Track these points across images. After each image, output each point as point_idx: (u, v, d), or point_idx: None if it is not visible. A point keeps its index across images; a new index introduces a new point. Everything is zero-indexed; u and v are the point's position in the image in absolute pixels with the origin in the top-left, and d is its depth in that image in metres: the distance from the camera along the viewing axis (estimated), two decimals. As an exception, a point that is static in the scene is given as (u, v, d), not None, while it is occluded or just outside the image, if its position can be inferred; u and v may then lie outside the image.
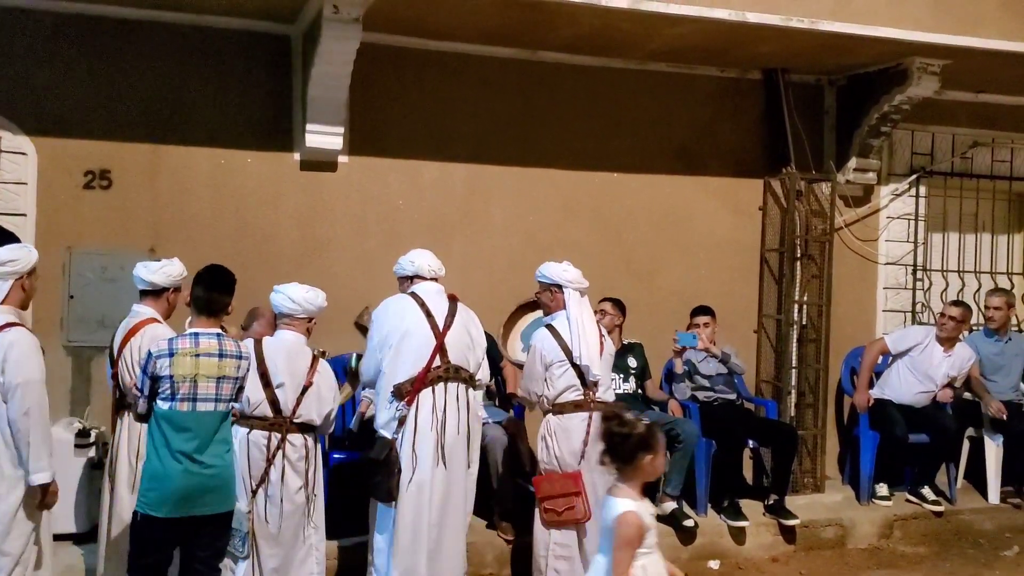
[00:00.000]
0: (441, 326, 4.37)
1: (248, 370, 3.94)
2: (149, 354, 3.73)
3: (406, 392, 4.26)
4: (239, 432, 4.08)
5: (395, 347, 4.31)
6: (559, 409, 4.66)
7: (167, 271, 4.32)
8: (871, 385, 6.62)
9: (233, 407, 3.91)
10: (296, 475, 4.14)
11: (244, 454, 4.06)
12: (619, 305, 5.88)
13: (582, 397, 4.66)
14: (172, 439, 3.65)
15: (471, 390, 4.43)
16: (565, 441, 4.62)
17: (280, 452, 4.10)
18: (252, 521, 4.06)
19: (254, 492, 4.08)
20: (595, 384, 4.67)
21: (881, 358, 6.76)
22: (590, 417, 4.63)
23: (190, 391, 3.67)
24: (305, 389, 4.17)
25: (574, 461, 4.60)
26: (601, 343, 4.76)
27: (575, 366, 4.63)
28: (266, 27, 5.68)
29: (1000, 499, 6.42)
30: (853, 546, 5.94)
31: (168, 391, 3.66)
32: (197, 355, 3.70)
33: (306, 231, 5.83)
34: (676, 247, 6.58)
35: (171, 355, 3.68)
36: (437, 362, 4.31)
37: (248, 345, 4.17)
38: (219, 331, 3.83)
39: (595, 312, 5.68)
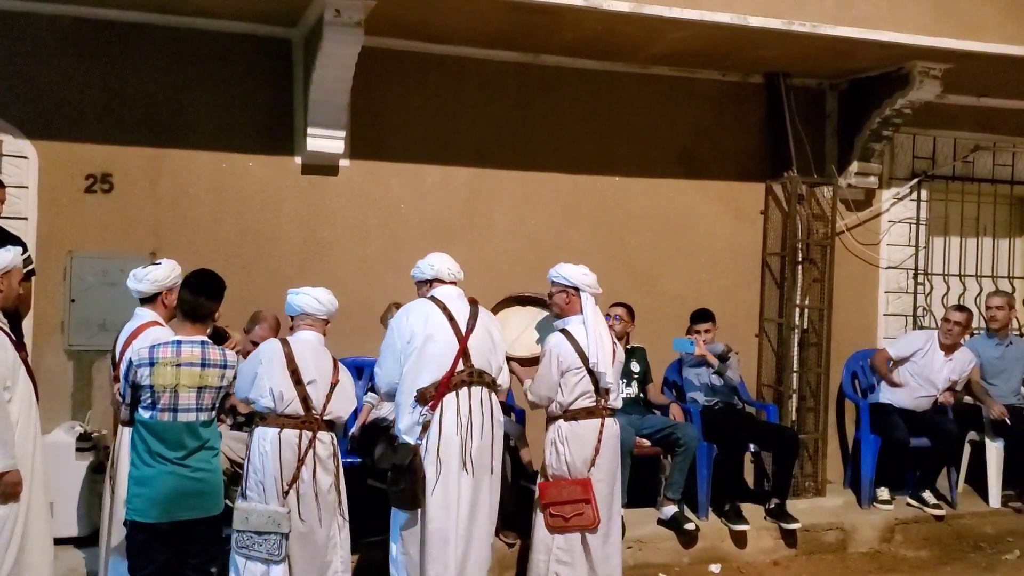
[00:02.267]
0: (464, 330, 4.32)
1: (234, 378, 3.90)
2: (130, 362, 3.69)
3: (430, 397, 4.22)
4: (269, 433, 4.05)
5: (418, 352, 4.26)
6: (572, 415, 4.60)
7: (151, 277, 4.26)
8: (872, 390, 6.65)
9: (227, 410, 3.90)
10: (326, 473, 4.14)
11: (276, 454, 4.03)
12: (630, 311, 5.86)
13: (595, 404, 4.62)
14: (154, 446, 3.63)
15: (493, 394, 4.39)
16: (577, 448, 4.58)
17: (311, 450, 4.09)
18: (289, 521, 4.02)
19: (285, 493, 4.03)
20: (607, 391, 4.64)
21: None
22: (602, 424, 4.61)
23: (170, 402, 3.63)
24: (332, 387, 4.19)
25: (585, 468, 4.57)
26: (614, 350, 4.72)
27: (590, 373, 4.58)
28: (267, 31, 5.68)
29: (1001, 503, 6.43)
30: (854, 550, 5.93)
31: (149, 400, 3.63)
32: (178, 365, 3.65)
33: (308, 235, 5.83)
34: (678, 251, 6.58)
35: (151, 364, 3.63)
36: (460, 366, 4.27)
37: (269, 345, 4.18)
38: (203, 339, 3.77)
39: (606, 317, 5.67)
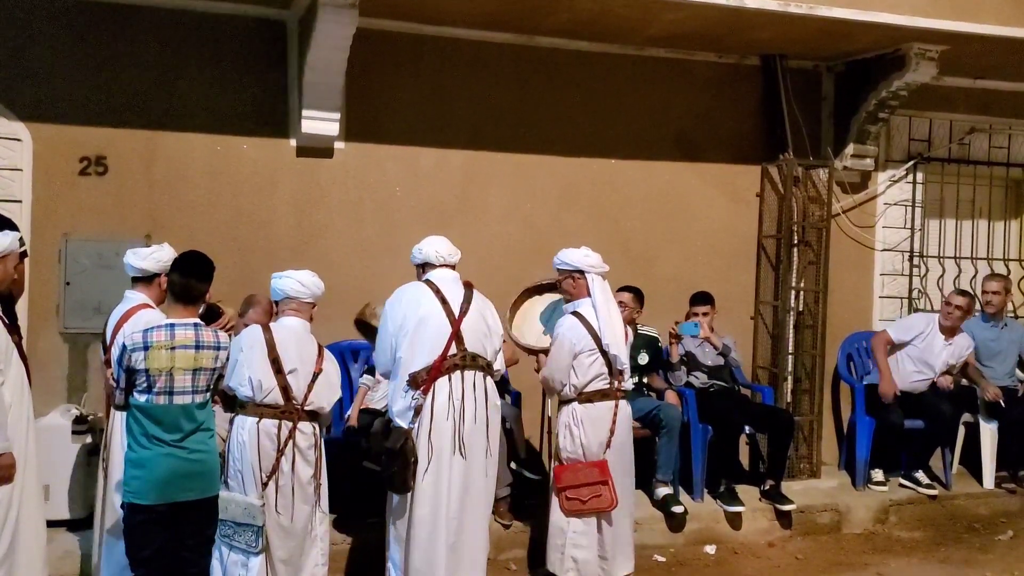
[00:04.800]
0: (457, 313, 4.26)
1: (227, 360, 3.88)
2: (123, 347, 3.67)
3: (422, 381, 4.17)
4: (247, 422, 4.01)
5: (410, 335, 4.21)
6: (587, 398, 4.60)
7: (156, 256, 4.27)
8: (868, 372, 6.65)
9: (219, 392, 3.88)
10: (306, 464, 4.08)
11: (254, 445, 3.98)
12: (638, 296, 5.81)
13: (608, 386, 4.62)
14: (151, 429, 3.63)
15: (488, 378, 4.34)
16: (592, 430, 4.58)
17: (291, 441, 4.03)
18: (265, 514, 3.98)
19: (265, 484, 3.99)
20: (620, 372, 4.63)
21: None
22: (616, 405, 4.62)
23: (166, 385, 3.63)
24: (315, 376, 4.12)
25: (600, 450, 4.58)
26: (625, 330, 4.71)
27: (604, 354, 4.57)
28: (261, 12, 5.65)
29: (995, 484, 6.45)
30: (849, 531, 5.96)
31: (144, 384, 3.62)
32: (172, 348, 3.64)
33: (303, 218, 5.82)
34: (673, 234, 6.58)
35: (146, 348, 3.62)
36: (453, 350, 4.22)
37: (250, 332, 4.13)
38: (196, 321, 3.77)
39: None
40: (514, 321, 5.15)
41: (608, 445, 4.60)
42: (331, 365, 4.24)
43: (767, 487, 5.85)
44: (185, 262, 3.85)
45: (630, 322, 5.74)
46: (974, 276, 7.24)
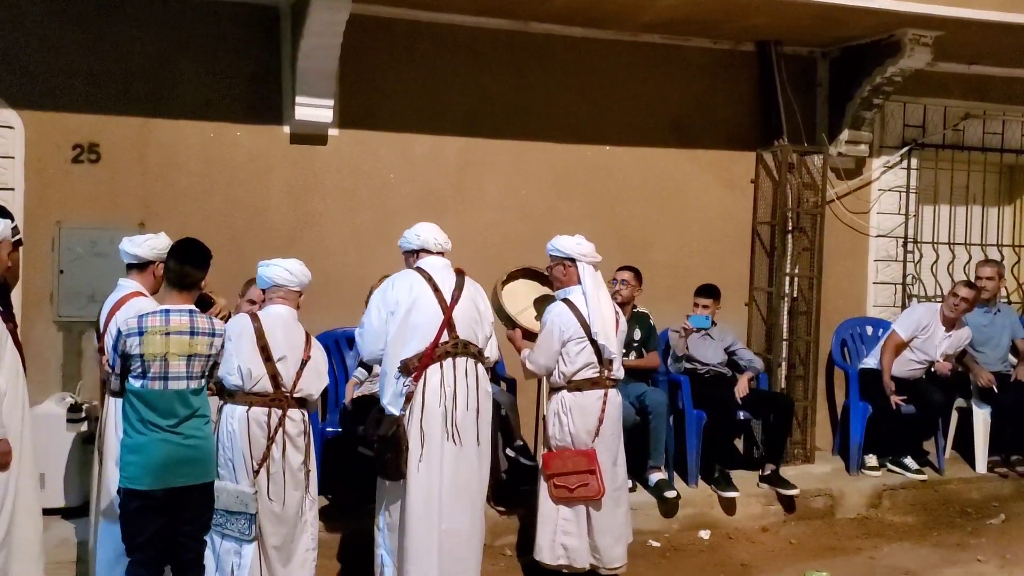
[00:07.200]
0: (449, 300, 4.26)
1: (222, 347, 3.87)
2: (119, 332, 3.68)
3: (413, 368, 4.17)
4: (237, 411, 4.01)
5: (402, 322, 4.21)
6: (576, 386, 4.61)
7: (152, 244, 4.26)
8: (863, 356, 6.67)
9: (211, 385, 3.89)
10: (296, 451, 4.09)
11: (244, 433, 3.98)
12: (638, 275, 5.83)
13: (598, 374, 4.63)
14: (146, 415, 3.63)
15: (480, 365, 4.33)
16: (581, 418, 4.59)
17: (281, 428, 4.03)
18: (257, 502, 3.98)
19: (256, 472, 4.00)
20: (610, 361, 4.63)
21: (873, 329, 6.82)
22: (605, 394, 4.62)
23: (161, 370, 3.63)
24: (303, 363, 4.12)
25: (589, 439, 4.59)
26: (616, 320, 4.70)
27: (593, 342, 4.57)
28: (255, -2, 5.63)
29: (987, 469, 6.49)
30: (842, 516, 6.00)
31: (139, 370, 3.62)
32: (167, 333, 3.64)
33: (297, 205, 5.80)
34: (669, 220, 6.58)
35: (140, 334, 3.62)
36: (445, 337, 4.22)
37: (237, 320, 4.14)
38: (191, 307, 3.77)
39: (612, 282, 5.67)
40: (502, 295, 5.13)
41: (597, 434, 4.60)
42: (319, 352, 4.24)
43: (767, 472, 5.87)
44: (182, 249, 3.84)
45: (630, 300, 5.76)
46: (967, 262, 7.25)
